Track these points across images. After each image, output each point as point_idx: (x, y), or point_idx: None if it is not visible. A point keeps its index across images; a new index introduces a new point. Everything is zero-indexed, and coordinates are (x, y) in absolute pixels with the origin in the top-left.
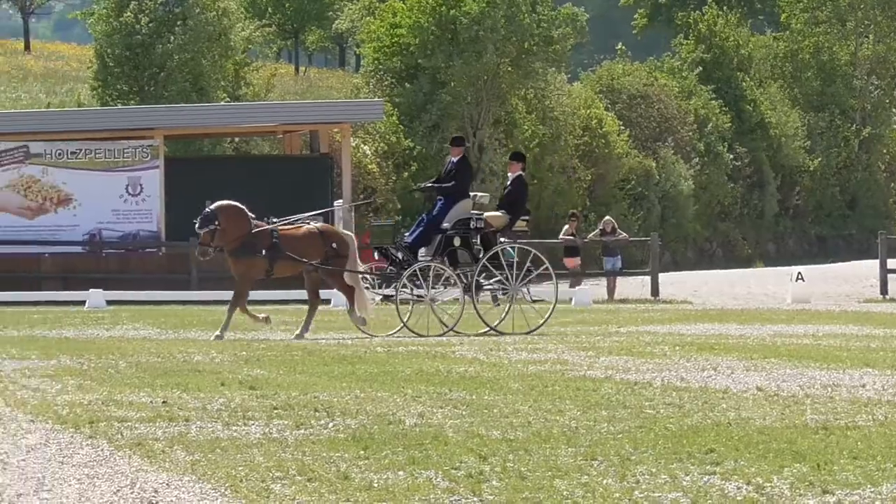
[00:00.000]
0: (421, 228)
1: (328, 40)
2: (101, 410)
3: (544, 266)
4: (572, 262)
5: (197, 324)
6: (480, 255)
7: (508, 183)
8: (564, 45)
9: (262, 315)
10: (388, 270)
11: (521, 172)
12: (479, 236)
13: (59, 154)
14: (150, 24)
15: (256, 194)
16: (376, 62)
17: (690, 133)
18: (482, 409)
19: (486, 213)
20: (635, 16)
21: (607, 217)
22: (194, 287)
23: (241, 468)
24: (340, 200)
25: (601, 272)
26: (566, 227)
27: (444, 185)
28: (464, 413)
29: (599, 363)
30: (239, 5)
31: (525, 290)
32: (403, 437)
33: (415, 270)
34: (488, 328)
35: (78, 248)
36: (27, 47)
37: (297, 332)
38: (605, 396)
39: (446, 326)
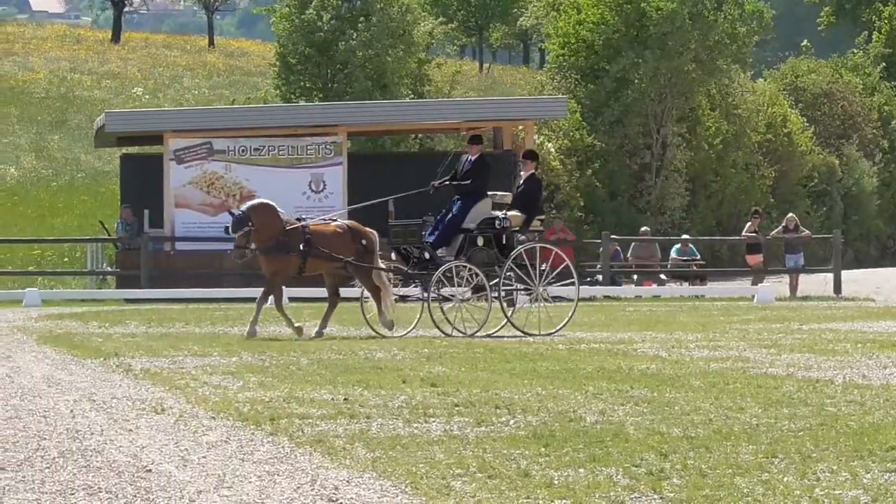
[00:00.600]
0: (441, 228)
1: (512, 37)
2: (283, 407)
3: (564, 264)
4: (754, 260)
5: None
6: (503, 255)
7: (521, 182)
8: (749, 42)
9: (297, 324)
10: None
11: (533, 171)
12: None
13: (242, 151)
14: (333, 22)
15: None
16: (560, 59)
17: (874, 131)
18: (663, 406)
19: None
20: (821, 14)
21: (790, 214)
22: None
23: (421, 465)
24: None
25: (783, 269)
26: (749, 224)
27: (462, 183)
28: (645, 410)
29: (781, 361)
30: (423, 2)
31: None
32: (584, 434)
33: (445, 271)
34: (518, 330)
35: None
36: (211, 44)
37: (316, 329)
38: (786, 394)
39: (461, 328)
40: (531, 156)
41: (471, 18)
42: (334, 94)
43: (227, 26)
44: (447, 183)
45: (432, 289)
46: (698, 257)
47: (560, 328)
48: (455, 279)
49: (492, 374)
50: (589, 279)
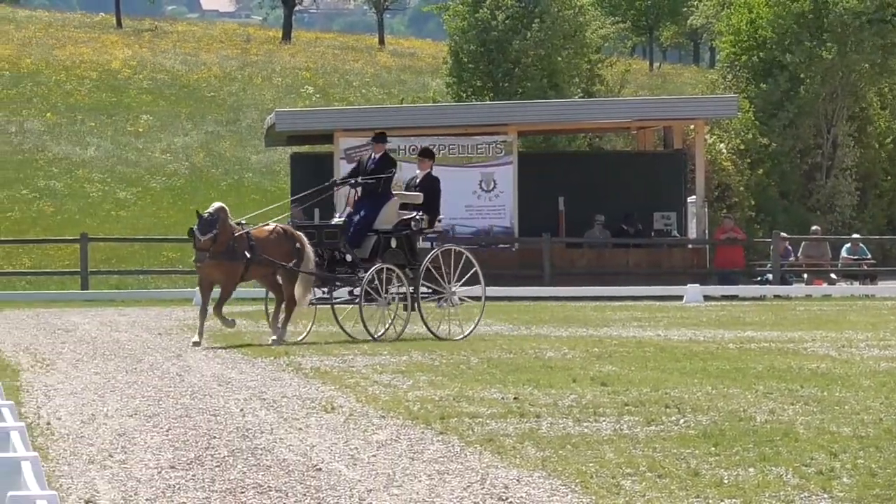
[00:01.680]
0: (354, 229)
1: (682, 36)
2: (452, 406)
3: (474, 269)
4: None
5: (549, 320)
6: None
7: (417, 181)
8: None
9: (231, 318)
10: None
11: (429, 170)
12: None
13: (413, 150)
14: (507, 21)
15: (608, 190)
16: (732, 56)
17: None
18: (833, 405)
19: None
20: None
21: None
22: (547, 283)
23: (591, 464)
24: (694, 197)
25: None
26: None
27: (369, 180)
28: (814, 410)
29: None
30: (594, 2)
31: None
32: (754, 433)
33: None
34: (431, 333)
35: (427, 244)
36: (381, 42)
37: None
38: None
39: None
40: (427, 154)
41: (641, 18)
42: (505, 94)
43: (396, 25)
44: (351, 181)
45: (363, 290)
46: (869, 256)
47: (470, 332)
48: (383, 282)
49: (662, 373)
50: (759, 278)
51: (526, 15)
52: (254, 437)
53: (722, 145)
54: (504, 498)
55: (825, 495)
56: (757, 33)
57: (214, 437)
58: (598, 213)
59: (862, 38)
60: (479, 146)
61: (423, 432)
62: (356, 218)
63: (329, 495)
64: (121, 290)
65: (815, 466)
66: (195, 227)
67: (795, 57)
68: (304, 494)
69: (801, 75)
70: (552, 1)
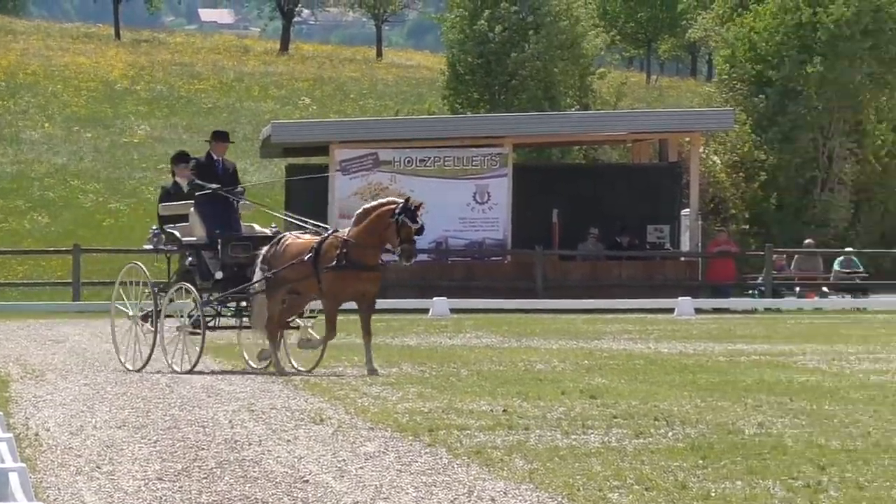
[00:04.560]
0: None
1: (680, 49)
2: (441, 418)
3: None
4: None
5: (541, 332)
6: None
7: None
8: None
9: None
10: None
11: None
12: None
13: (408, 162)
14: (504, 33)
15: (602, 203)
16: (729, 69)
17: None
18: (822, 418)
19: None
20: None
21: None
22: (540, 295)
23: (578, 477)
24: (687, 210)
25: None
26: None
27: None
28: (803, 423)
29: None
30: (591, 14)
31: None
32: (742, 446)
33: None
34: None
35: (423, 256)
36: (379, 54)
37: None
38: None
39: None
40: (182, 158)
41: (639, 31)
42: (501, 106)
43: (395, 37)
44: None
45: None
46: (861, 270)
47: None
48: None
49: (651, 386)
50: (750, 291)
51: (523, 27)
52: (242, 449)
53: (717, 158)
54: None
55: None
56: (754, 46)
57: (202, 449)
58: (592, 226)
59: (855, 50)
60: (474, 158)
61: (411, 444)
62: None
63: None
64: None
65: (802, 480)
66: (403, 216)
67: (784, 71)
68: None
69: (796, 88)
70: (549, 12)
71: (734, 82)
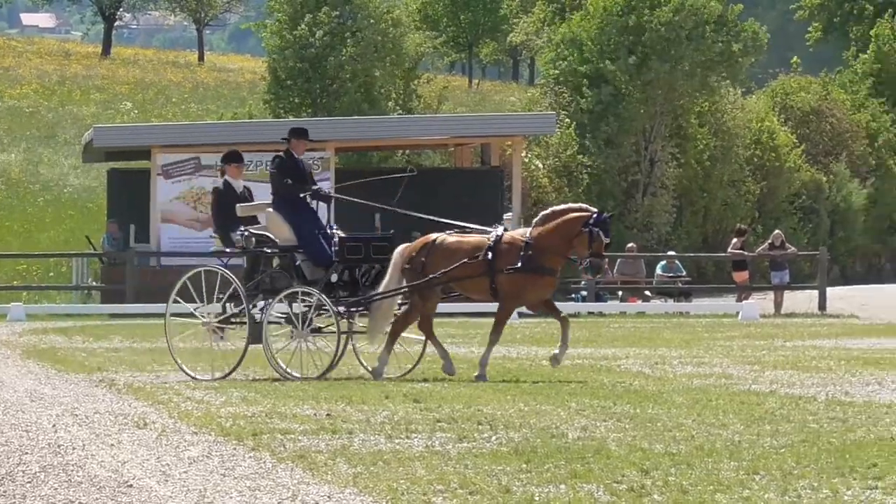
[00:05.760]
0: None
1: (502, 53)
2: (265, 423)
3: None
4: (741, 277)
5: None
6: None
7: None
8: (745, 62)
9: None
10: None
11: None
12: None
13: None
14: (325, 38)
15: (424, 207)
16: (554, 73)
17: (862, 147)
18: (645, 422)
19: None
20: (809, 29)
21: (776, 231)
22: None
23: (402, 481)
24: (510, 214)
25: (769, 286)
26: (735, 240)
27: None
28: (627, 427)
29: (764, 377)
30: (413, 19)
31: None
32: (566, 450)
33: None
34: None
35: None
36: (201, 59)
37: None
38: (768, 411)
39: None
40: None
41: (461, 34)
42: (323, 109)
43: (217, 41)
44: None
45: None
46: (684, 274)
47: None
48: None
49: (475, 390)
50: (574, 295)
51: (343, 31)
52: (66, 454)
53: (539, 162)
54: None
55: None
56: (579, 49)
57: (26, 453)
58: (415, 230)
59: (682, 53)
60: None
61: (235, 448)
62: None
63: None
64: None
65: (626, 483)
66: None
67: (619, 66)
68: None
69: (623, 89)
70: (368, 15)
71: (558, 86)
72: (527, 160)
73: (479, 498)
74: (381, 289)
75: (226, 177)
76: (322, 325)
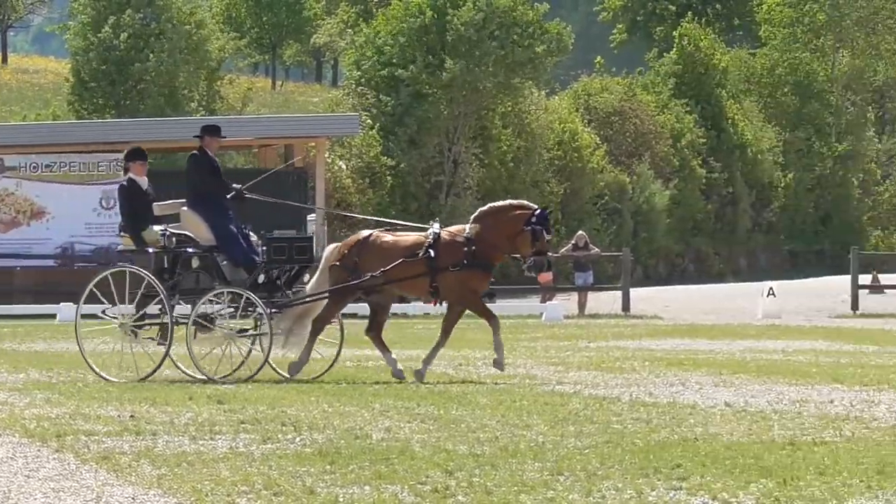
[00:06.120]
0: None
1: (306, 55)
2: (69, 424)
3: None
4: (545, 278)
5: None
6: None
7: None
8: (549, 63)
9: None
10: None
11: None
12: None
13: (34, 167)
14: (129, 40)
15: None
16: (357, 74)
17: (666, 148)
18: (450, 423)
19: None
20: (613, 31)
21: (580, 232)
22: None
23: (207, 482)
24: (313, 215)
25: (572, 287)
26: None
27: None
28: (431, 428)
29: (568, 378)
30: (217, 21)
31: None
32: (370, 451)
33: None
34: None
35: (50, 262)
36: (4, 60)
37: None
38: (573, 411)
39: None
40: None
41: (264, 36)
42: (127, 111)
43: (20, 43)
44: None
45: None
46: None
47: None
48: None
49: (279, 391)
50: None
51: (147, 33)
52: None
53: (343, 163)
54: None
55: None
56: (381, 50)
57: None
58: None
59: (485, 53)
60: (99, 164)
61: (39, 450)
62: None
63: None
64: None
65: (430, 484)
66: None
67: (414, 71)
68: None
69: (424, 90)
70: (172, 18)
71: (360, 87)
72: (330, 161)
73: (284, 499)
74: (308, 288)
75: (129, 174)
76: (248, 327)
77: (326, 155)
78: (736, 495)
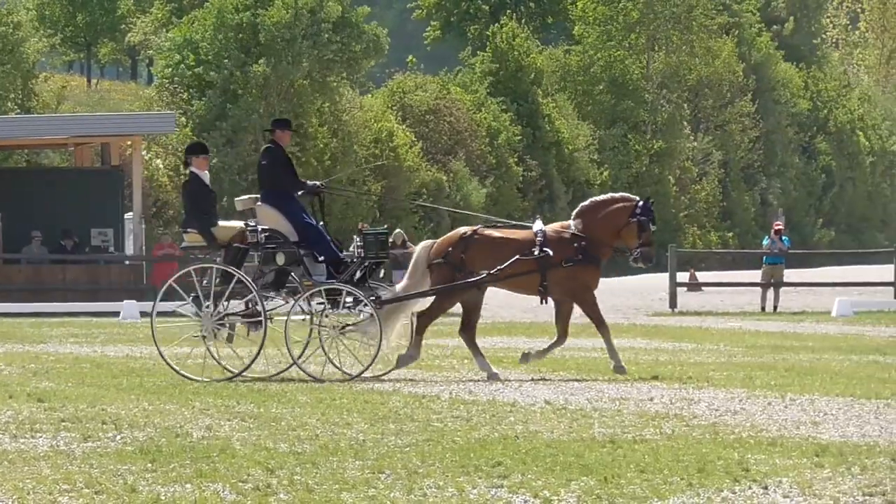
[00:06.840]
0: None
1: (120, 53)
2: None
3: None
4: None
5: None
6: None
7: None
8: (366, 64)
9: None
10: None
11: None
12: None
13: None
14: None
15: (45, 207)
16: (170, 73)
17: (482, 146)
18: (270, 421)
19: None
20: (427, 28)
21: (397, 230)
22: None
23: (28, 481)
24: (131, 213)
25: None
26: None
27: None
28: (251, 426)
29: (388, 376)
30: (31, 19)
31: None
32: (191, 449)
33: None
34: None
35: None
36: None
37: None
38: (393, 409)
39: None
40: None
41: (79, 34)
42: None
43: None
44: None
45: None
46: None
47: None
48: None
49: (99, 390)
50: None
51: None
52: None
53: (159, 161)
54: None
55: None
56: (195, 50)
57: None
58: (35, 230)
59: (298, 52)
60: None
61: None
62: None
63: None
64: None
65: (252, 483)
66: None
67: (223, 73)
68: None
69: (237, 91)
70: None
71: (174, 86)
72: (147, 159)
73: (106, 497)
74: (402, 286)
75: (192, 168)
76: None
77: (144, 153)
78: (557, 493)
